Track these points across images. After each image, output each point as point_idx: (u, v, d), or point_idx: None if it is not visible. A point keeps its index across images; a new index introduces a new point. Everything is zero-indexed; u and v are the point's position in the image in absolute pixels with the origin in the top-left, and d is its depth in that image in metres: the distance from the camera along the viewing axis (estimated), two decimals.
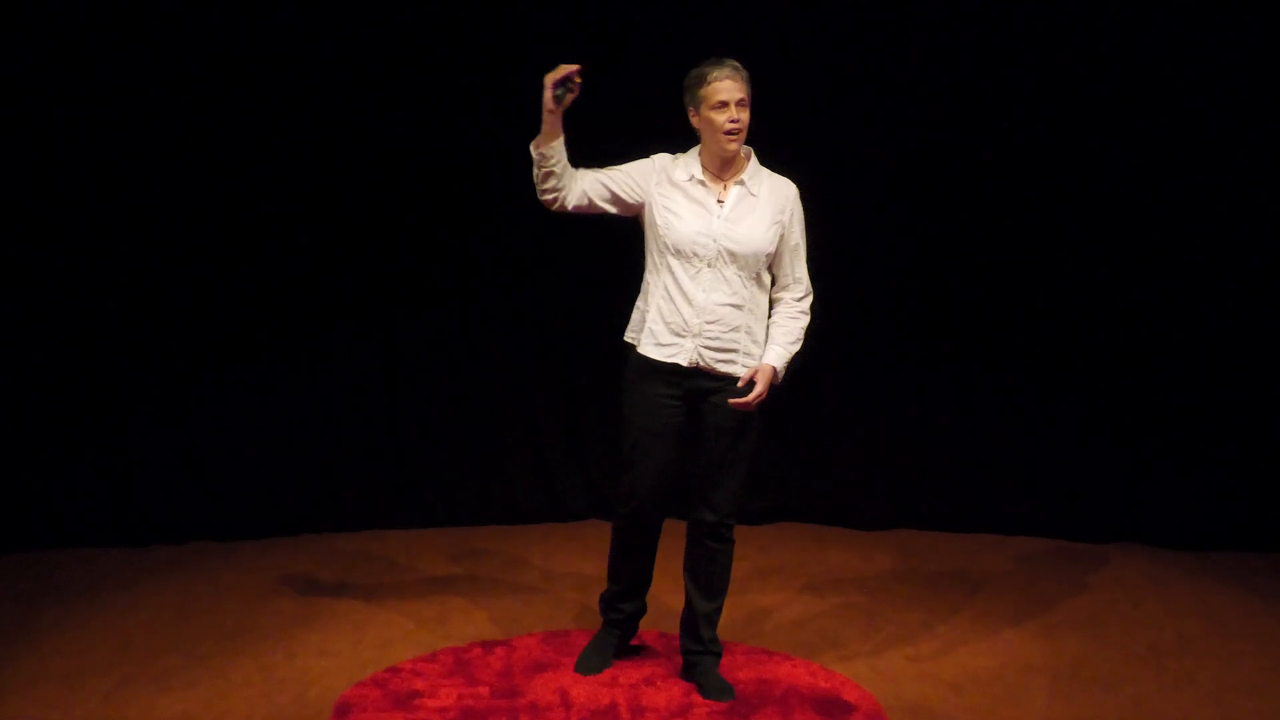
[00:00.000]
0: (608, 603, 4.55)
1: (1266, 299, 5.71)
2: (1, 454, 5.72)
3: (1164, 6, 5.60)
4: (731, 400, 4.17)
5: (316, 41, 5.70)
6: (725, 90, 4.10)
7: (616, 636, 4.54)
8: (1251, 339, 5.74)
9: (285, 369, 5.92)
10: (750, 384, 4.18)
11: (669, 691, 4.33)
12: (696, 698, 4.29)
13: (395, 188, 5.88)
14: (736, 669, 4.49)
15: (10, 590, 5.27)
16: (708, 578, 4.39)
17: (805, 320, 4.31)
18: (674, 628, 4.56)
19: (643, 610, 4.57)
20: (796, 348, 4.28)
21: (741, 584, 5.34)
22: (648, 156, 4.27)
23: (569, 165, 4.21)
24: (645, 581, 4.51)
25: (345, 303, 5.93)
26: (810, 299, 4.33)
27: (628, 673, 4.47)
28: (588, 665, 4.47)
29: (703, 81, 4.12)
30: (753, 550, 5.75)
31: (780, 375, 4.25)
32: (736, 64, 4.14)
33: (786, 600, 5.21)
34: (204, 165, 5.73)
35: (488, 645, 4.72)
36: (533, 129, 5.88)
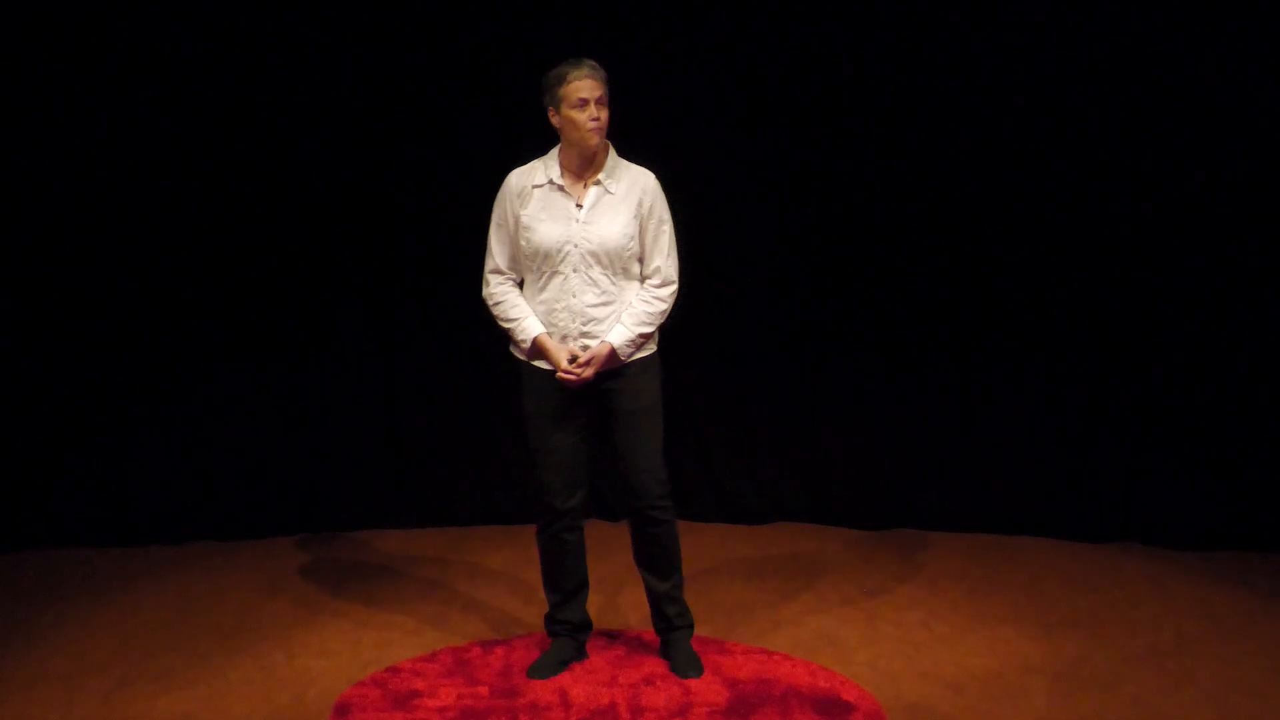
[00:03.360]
0: (551, 619, 4.58)
1: (1266, 299, 5.70)
2: (1, 454, 5.72)
3: None
4: (558, 375, 4.27)
5: (317, 39, 5.70)
6: (586, 88, 4.21)
7: (570, 647, 4.55)
8: (1251, 339, 5.73)
9: (285, 369, 5.92)
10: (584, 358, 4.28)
11: (669, 691, 4.34)
12: (695, 698, 4.29)
13: (395, 186, 5.88)
14: (736, 669, 4.49)
15: (10, 590, 5.28)
16: (655, 559, 4.48)
17: (661, 306, 4.35)
18: None
19: (587, 624, 4.60)
20: (644, 329, 4.32)
21: (741, 584, 5.35)
22: (502, 185, 4.40)
23: (515, 296, 4.41)
24: (583, 585, 4.56)
25: (345, 302, 5.93)
26: (671, 289, 4.37)
27: (627, 673, 4.47)
28: (540, 670, 4.47)
29: (563, 81, 4.22)
30: (753, 550, 5.76)
31: (622, 354, 4.30)
32: (594, 63, 4.25)
33: (786, 600, 5.21)
34: (205, 165, 5.73)
35: (487, 645, 4.72)
36: (529, 126, 5.89)
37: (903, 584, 5.39)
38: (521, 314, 4.34)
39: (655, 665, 4.53)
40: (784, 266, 6.00)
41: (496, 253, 4.41)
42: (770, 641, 4.79)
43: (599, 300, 4.31)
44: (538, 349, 4.32)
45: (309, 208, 5.83)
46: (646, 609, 4.62)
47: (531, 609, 5.06)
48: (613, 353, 4.29)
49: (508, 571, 5.51)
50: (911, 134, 5.84)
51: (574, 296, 4.30)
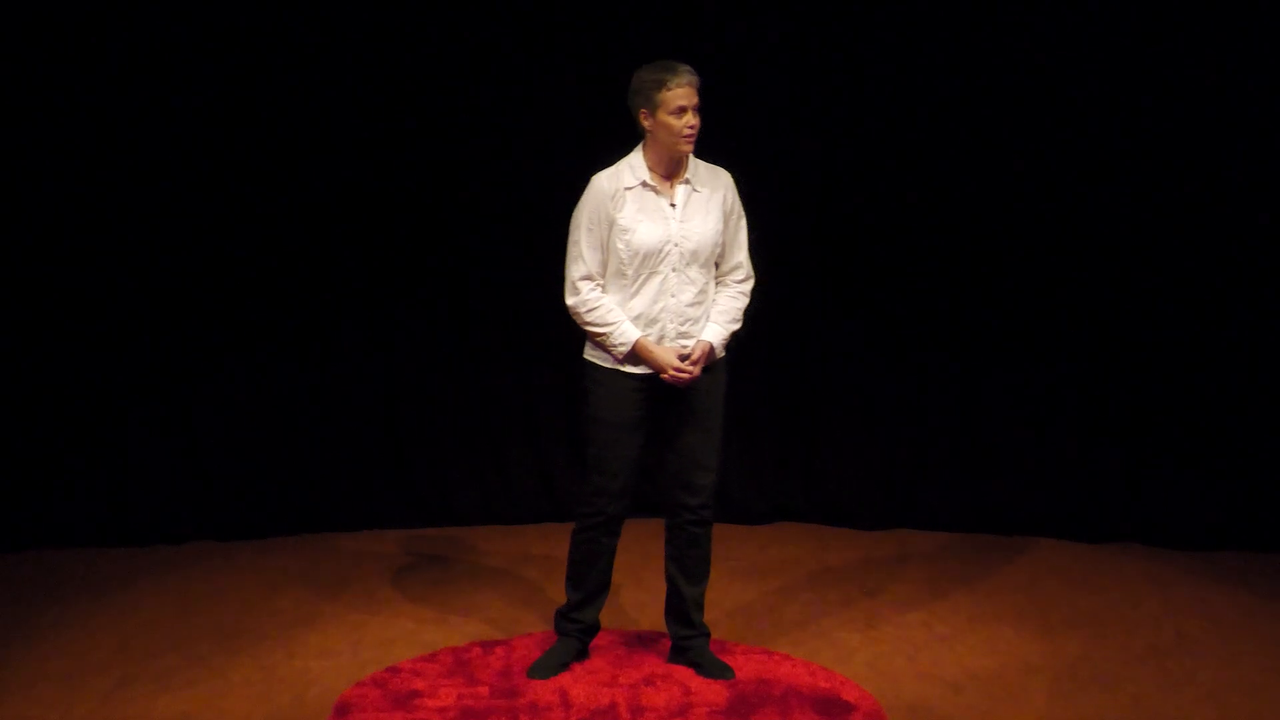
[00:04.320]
0: (565, 615, 4.55)
1: (1266, 299, 5.71)
2: (1, 454, 5.72)
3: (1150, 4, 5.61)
4: (665, 375, 4.25)
5: (318, 39, 5.70)
6: (684, 96, 4.17)
7: (574, 648, 4.54)
8: (1251, 339, 5.74)
9: (285, 369, 5.92)
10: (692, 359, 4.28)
11: (669, 691, 4.33)
12: (696, 698, 4.29)
13: (396, 187, 5.88)
14: (736, 669, 4.49)
15: (10, 590, 5.27)
16: (693, 562, 4.46)
17: (744, 302, 4.42)
18: None
19: (597, 626, 4.57)
20: (735, 327, 4.39)
21: (742, 584, 5.35)
22: (587, 188, 4.28)
23: (610, 301, 4.29)
24: (605, 587, 4.53)
25: (345, 302, 5.93)
26: (751, 283, 4.44)
27: (628, 672, 4.47)
28: (542, 669, 4.45)
29: (661, 86, 4.17)
30: (753, 550, 5.76)
31: (718, 352, 4.35)
32: (690, 68, 4.20)
33: (786, 600, 5.21)
34: (205, 165, 5.73)
35: (488, 645, 4.72)
36: (531, 126, 5.90)
37: (903, 584, 5.40)
38: (618, 318, 4.27)
39: (655, 665, 4.53)
40: (783, 266, 5.99)
41: (588, 258, 4.27)
42: (770, 641, 4.79)
43: (695, 299, 4.31)
44: (638, 353, 4.27)
45: (309, 208, 5.83)
46: (647, 609, 4.62)
47: (531, 609, 5.06)
48: (711, 351, 4.31)
49: (508, 571, 5.51)
50: (911, 134, 5.84)
51: (672, 296, 4.28)
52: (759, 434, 6.12)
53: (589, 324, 4.29)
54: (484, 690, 4.34)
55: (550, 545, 5.80)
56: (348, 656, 4.64)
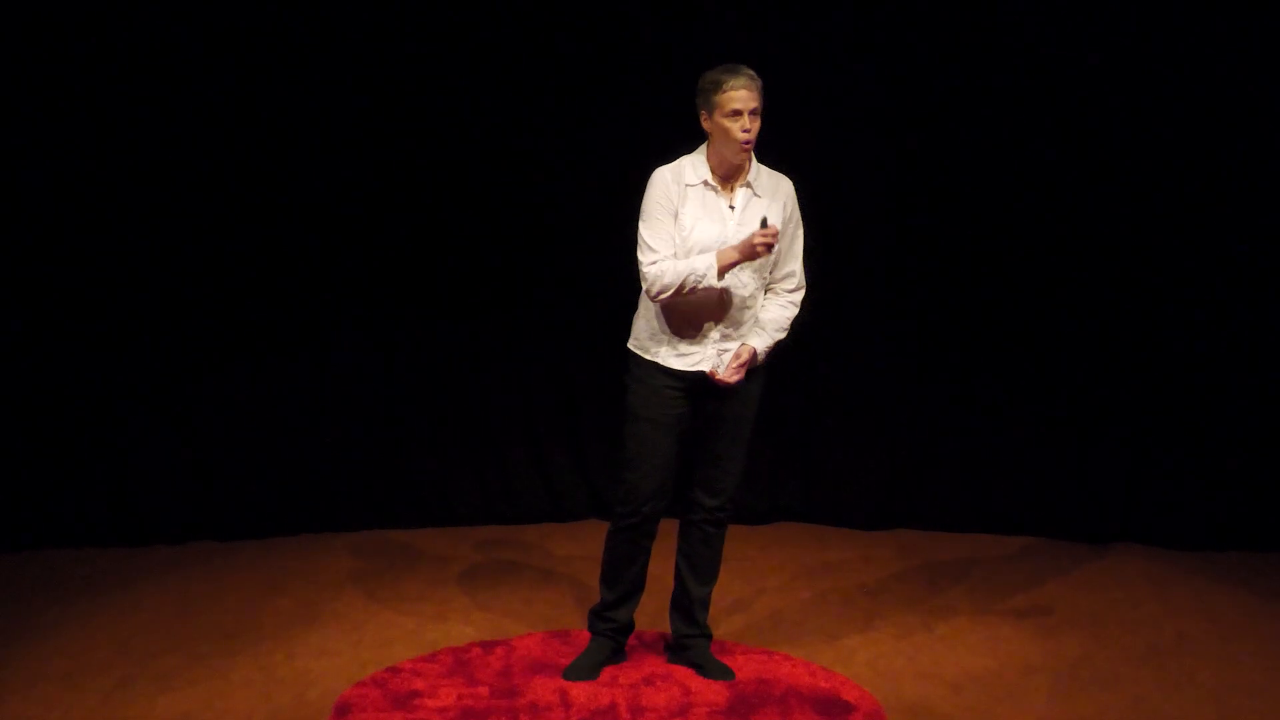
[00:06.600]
0: (598, 614, 4.54)
1: (1266, 299, 5.71)
2: (1, 454, 5.72)
3: (1162, 9, 5.61)
4: (719, 378, 4.25)
5: (317, 39, 5.70)
6: (740, 99, 4.13)
7: (608, 648, 4.53)
8: (1251, 339, 5.74)
9: (285, 369, 5.92)
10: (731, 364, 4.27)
11: (669, 691, 4.34)
12: (696, 698, 4.29)
13: (397, 188, 5.88)
14: (736, 669, 4.49)
15: (10, 590, 5.27)
16: (704, 562, 4.48)
17: (794, 311, 4.39)
18: None
19: (631, 626, 4.56)
20: (781, 336, 4.36)
21: (742, 584, 5.35)
22: (650, 181, 4.24)
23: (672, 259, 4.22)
24: (639, 588, 4.51)
25: (345, 303, 5.93)
26: (802, 293, 4.41)
27: (627, 672, 4.47)
28: (577, 673, 4.45)
29: (719, 88, 4.14)
30: (753, 550, 5.76)
31: (760, 359, 4.32)
32: (752, 72, 4.16)
33: (786, 600, 5.21)
34: (205, 165, 5.72)
35: (488, 645, 4.72)
36: (532, 129, 5.90)
37: (903, 584, 5.40)
38: (687, 263, 4.14)
39: (655, 665, 4.53)
40: None
41: (658, 245, 4.19)
42: (770, 641, 4.79)
43: (743, 304, 4.29)
44: (724, 264, 4.13)
45: (309, 208, 5.83)
46: (647, 608, 4.61)
47: (532, 609, 5.07)
48: (753, 357, 4.29)
49: (508, 571, 5.51)
50: (909, 134, 5.84)
51: (722, 298, 4.26)
52: (759, 433, 6.09)
53: (670, 286, 4.16)
54: (484, 690, 4.34)
55: (550, 545, 5.81)
56: (348, 656, 4.64)
